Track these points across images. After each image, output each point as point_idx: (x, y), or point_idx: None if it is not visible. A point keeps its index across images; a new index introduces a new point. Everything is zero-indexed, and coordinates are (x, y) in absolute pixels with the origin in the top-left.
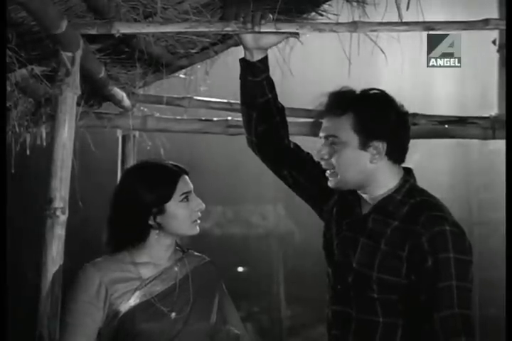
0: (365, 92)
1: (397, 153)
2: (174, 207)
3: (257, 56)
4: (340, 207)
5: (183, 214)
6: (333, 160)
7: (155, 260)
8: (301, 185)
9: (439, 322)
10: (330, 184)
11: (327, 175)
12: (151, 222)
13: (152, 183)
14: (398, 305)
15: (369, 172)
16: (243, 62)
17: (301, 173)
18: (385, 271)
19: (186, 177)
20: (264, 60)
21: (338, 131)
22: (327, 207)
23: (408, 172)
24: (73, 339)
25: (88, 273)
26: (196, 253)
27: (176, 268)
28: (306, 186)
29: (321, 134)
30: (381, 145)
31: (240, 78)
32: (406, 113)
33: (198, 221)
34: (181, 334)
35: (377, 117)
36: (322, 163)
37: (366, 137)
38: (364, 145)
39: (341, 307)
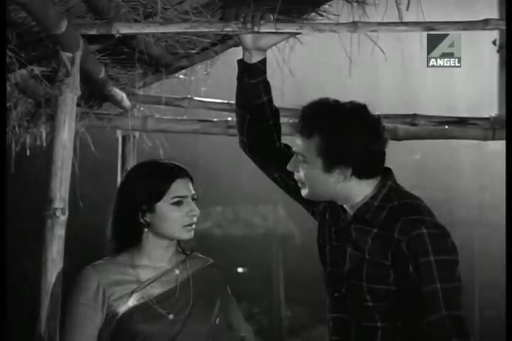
0: (336, 112)
1: (366, 173)
2: (164, 208)
3: (255, 58)
4: (330, 212)
5: (173, 217)
6: (302, 175)
7: (154, 262)
8: (291, 187)
9: (428, 327)
10: (302, 193)
11: (299, 185)
12: (141, 220)
13: (146, 181)
14: (395, 310)
15: (337, 190)
16: (241, 63)
17: (290, 176)
18: (374, 281)
19: (186, 181)
20: (262, 63)
21: (305, 151)
22: (318, 209)
23: (387, 173)
24: None
25: (87, 275)
26: (200, 256)
27: (177, 271)
28: (297, 188)
29: (293, 149)
30: (346, 170)
31: (237, 79)
32: (382, 138)
33: (193, 226)
34: (180, 335)
35: (343, 143)
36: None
37: (330, 162)
38: (328, 169)
39: (339, 315)
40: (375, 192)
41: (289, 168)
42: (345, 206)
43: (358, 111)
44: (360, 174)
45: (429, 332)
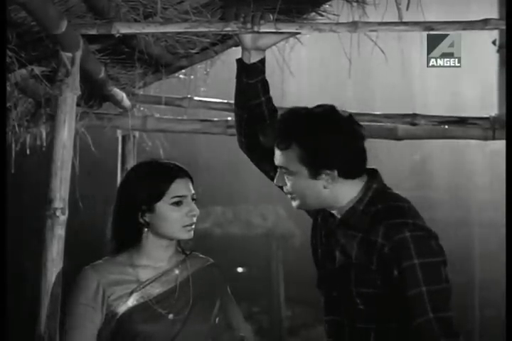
0: (307, 119)
1: (352, 173)
2: (164, 208)
3: (254, 58)
4: (322, 214)
5: (173, 217)
6: (289, 188)
7: (154, 262)
8: None
9: (416, 329)
10: (293, 205)
11: (289, 196)
12: (140, 220)
13: (145, 181)
14: (386, 312)
15: (326, 195)
16: (240, 63)
17: None
18: (362, 285)
19: (185, 181)
20: (261, 62)
21: (286, 163)
22: (312, 211)
23: (373, 175)
24: None
25: (86, 275)
26: (201, 256)
27: (177, 271)
28: None
29: (276, 163)
30: (332, 173)
31: (236, 79)
32: (359, 135)
33: (192, 226)
34: (180, 335)
35: (323, 150)
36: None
37: (315, 168)
38: (315, 175)
39: (333, 317)
40: (361, 196)
41: (276, 183)
42: (332, 211)
43: (327, 113)
44: (346, 174)
45: (417, 334)
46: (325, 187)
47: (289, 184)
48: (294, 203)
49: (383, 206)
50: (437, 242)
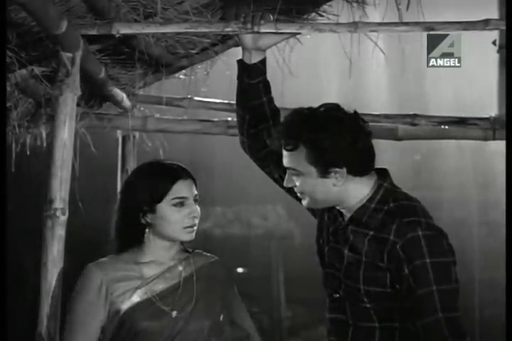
0: (312, 119)
1: (361, 170)
2: (165, 209)
3: (255, 58)
4: (329, 213)
5: (173, 218)
6: (299, 187)
7: (158, 259)
8: (292, 188)
9: (424, 328)
10: (303, 203)
11: (299, 195)
12: (142, 221)
13: (147, 182)
14: (392, 311)
15: (336, 193)
16: (240, 63)
17: None
18: (371, 283)
19: (188, 182)
20: (262, 63)
21: (294, 164)
22: (318, 210)
23: (383, 174)
24: (74, 338)
25: (90, 272)
26: (204, 253)
27: (180, 267)
28: None
29: (284, 165)
30: (341, 171)
31: (237, 79)
32: (365, 132)
33: (194, 227)
34: (182, 332)
35: (330, 148)
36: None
37: (324, 167)
38: (323, 174)
39: (337, 315)
40: (372, 194)
41: (285, 184)
42: (342, 210)
43: (332, 112)
44: (356, 172)
45: (425, 333)
46: (335, 185)
47: (298, 183)
48: (304, 202)
49: (395, 204)
50: (448, 242)
